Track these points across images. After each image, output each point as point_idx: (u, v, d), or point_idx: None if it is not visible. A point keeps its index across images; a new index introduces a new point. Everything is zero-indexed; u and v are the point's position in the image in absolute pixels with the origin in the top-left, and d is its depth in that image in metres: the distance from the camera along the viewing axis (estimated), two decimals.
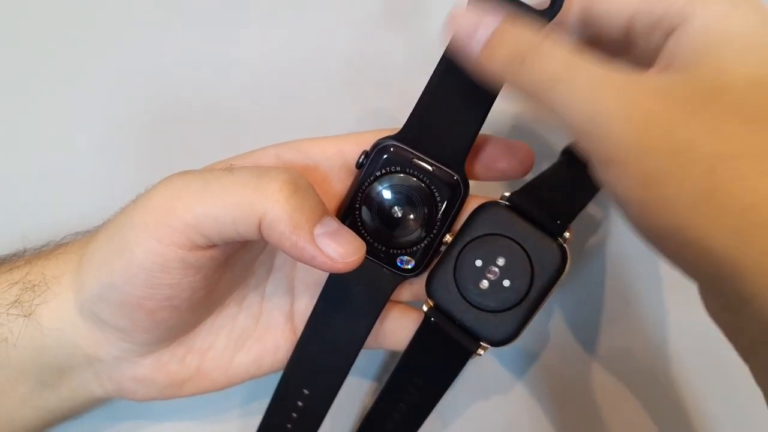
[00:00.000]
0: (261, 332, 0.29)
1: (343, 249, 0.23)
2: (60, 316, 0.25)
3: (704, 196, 0.18)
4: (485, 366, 0.33)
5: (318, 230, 0.23)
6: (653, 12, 0.22)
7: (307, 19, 0.36)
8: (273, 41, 0.36)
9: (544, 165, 0.31)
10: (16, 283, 0.25)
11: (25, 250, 0.28)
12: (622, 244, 0.35)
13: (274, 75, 0.35)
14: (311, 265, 0.23)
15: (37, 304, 0.25)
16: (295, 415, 0.29)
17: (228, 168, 0.24)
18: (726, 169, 0.18)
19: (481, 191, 0.28)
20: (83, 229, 0.28)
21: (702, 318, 0.34)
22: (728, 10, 0.21)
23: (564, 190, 0.29)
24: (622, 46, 0.25)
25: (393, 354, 0.33)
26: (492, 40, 0.22)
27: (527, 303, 0.26)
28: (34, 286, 0.25)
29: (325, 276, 0.28)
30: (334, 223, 0.23)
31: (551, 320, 0.34)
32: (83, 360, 0.26)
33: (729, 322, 0.21)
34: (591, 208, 0.35)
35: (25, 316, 0.25)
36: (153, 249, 0.23)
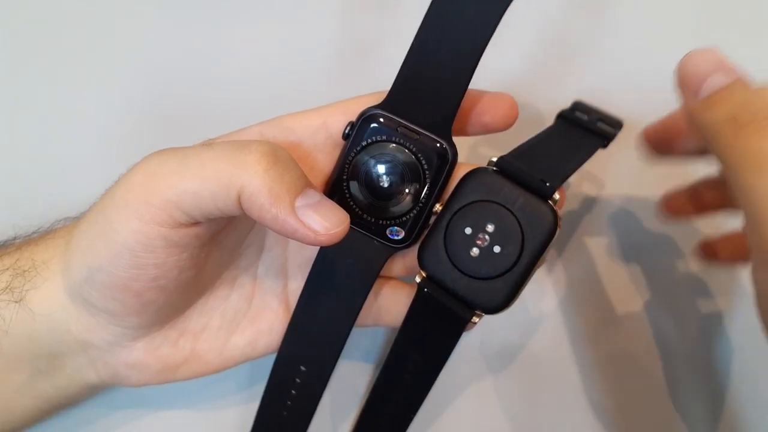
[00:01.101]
0: (254, 313, 0.29)
1: (326, 221, 0.22)
2: (50, 302, 0.25)
3: None
4: (484, 366, 0.33)
5: (299, 202, 0.22)
6: None
7: (294, 7, 0.36)
8: (264, 32, 0.36)
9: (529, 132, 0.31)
10: (7, 269, 0.25)
11: (15, 237, 0.28)
12: (622, 244, 0.34)
13: (266, 65, 0.36)
14: (294, 239, 0.22)
15: (28, 290, 0.25)
16: (294, 392, 0.28)
17: (207, 143, 0.24)
18: None
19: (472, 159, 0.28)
20: (73, 215, 0.28)
21: (701, 318, 0.33)
22: None
23: (554, 153, 0.28)
24: None
25: (393, 333, 0.33)
26: (721, 92, 0.22)
27: (519, 268, 0.25)
28: (24, 271, 0.25)
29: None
30: (316, 195, 0.23)
31: (551, 320, 0.34)
32: (76, 346, 0.26)
33: None
34: (592, 209, 0.35)
35: (16, 302, 0.25)
36: (135, 228, 0.23)
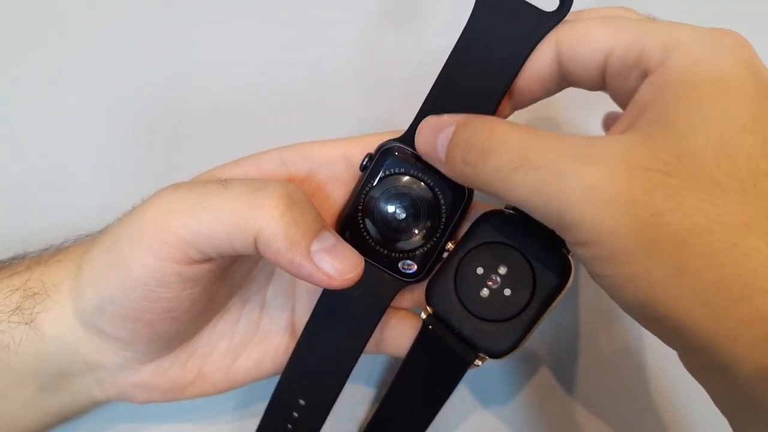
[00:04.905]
0: (262, 337, 0.29)
1: (340, 265, 0.22)
2: (61, 325, 0.25)
3: (674, 273, 0.18)
4: (484, 366, 0.33)
5: (315, 246, 0.22)
6: (627, 55, 0.22)
7: (311, 21, 0.35)
8: (277, 44, 0.35)
9: None
10: (17, 289, 0.25)
11: (25, 255, 0.27)
12: None
13: (278, 77, 0.35)
14: (308, 282, 0.23)
15: (38, 312, 0.25)
16: (290, 426, 0.28)
17: (223, 181, 0.24)
18: (694, 245, 0.18)
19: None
20: (82, 232, 0.28)
21: None
22: (705, 58, 0.20)
23: None
24: (600, 87, 0.24)
25: (396, 359, 0.33)
26: (448, 146, 0.23)
27: (528, 314, 0.26)
28: (35, 294, 0.25)
29: None
30: (331, 238, 0.23)
31: (550, 320, 0.34)
32: (85, 367, 0.26)
33: (710, 383, 0.21)
34: None
35: (26, 323, 0.25)
36: (149, 264, 0.23)
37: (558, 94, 0.26)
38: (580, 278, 0.34)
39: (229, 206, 0.22)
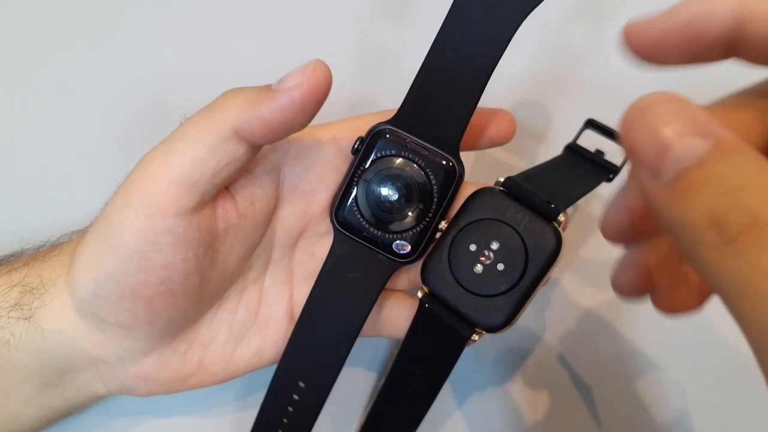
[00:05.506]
0: (260, 325, 0.29)
1: (303, 71, 0.23)
2: (60, 319, 0.25)
3: None
4: (484, 365, 0.34)
5: (276, 86, 0.23)
6: None
7: (303, 11, 0.36)
8: (269, 35, 0.36)
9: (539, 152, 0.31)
10: (15, 285, 0.25)
11: (22, 251, 0.28)
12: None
13: (274, 71, 0.35)
14: (291, 108, 0.23)
15: (37, 308, 0.25)
16: (290, 408, 0.29)
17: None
18: None
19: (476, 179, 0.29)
20: (79, 228, 0.28)
21: (701, 319, 0.34)
22: None
23: (561, 179, 0.29)
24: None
25: (396, 343, 0.33)
26: (692, 174, 0.14)
27: (522, 287, 0.26)
28: (33, 289, 0.25)
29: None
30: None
31: (551, 320, 0.34)
32: (86, 361, 0.26)
33: None
34: (592, 209, 0.35)
35: (25, 319, 0.25)
36: (141, 225, 0.23)
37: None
38: (580, 278, 0.34)
39: (194, 126, 0.23)
